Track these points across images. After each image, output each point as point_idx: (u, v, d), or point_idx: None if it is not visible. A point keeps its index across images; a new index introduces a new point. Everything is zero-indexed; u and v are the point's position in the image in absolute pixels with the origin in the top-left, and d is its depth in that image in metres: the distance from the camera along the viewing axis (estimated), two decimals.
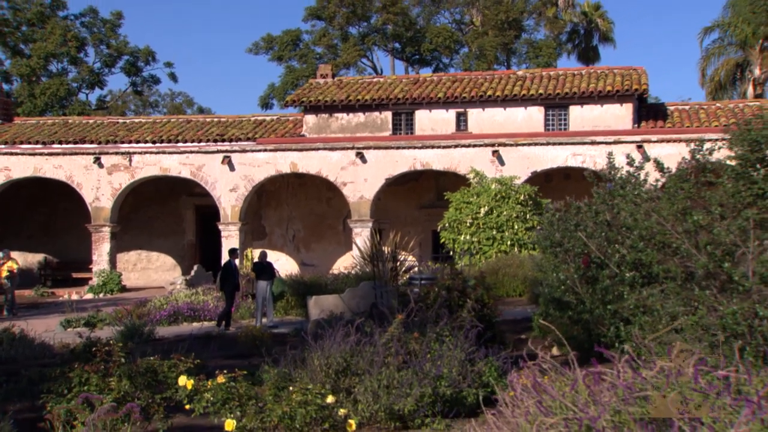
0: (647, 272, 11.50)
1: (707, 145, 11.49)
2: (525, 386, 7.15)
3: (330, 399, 8.15)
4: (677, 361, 6.76)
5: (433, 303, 12.68)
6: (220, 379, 7.76)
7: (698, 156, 12.10)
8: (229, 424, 7.38)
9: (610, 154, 14.00)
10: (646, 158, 13.65)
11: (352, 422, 8.12)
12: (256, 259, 21.46)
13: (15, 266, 24.81)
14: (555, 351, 14.48)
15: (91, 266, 30.79)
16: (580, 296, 12.80)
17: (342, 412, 8.24)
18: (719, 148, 11.22)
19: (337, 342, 10.38)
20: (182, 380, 8.16)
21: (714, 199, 10.04)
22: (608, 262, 12.30)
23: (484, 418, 7.48)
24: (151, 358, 9.35)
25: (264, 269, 19.96)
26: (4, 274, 24.19)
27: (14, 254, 26.80)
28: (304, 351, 10.67)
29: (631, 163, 12.93)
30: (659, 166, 12.80)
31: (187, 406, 7.86)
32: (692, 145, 12.07)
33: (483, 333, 12.14)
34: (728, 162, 10.92)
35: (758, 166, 10.07)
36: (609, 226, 12.35)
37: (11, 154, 31.03)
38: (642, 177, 12.72)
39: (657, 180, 12.63)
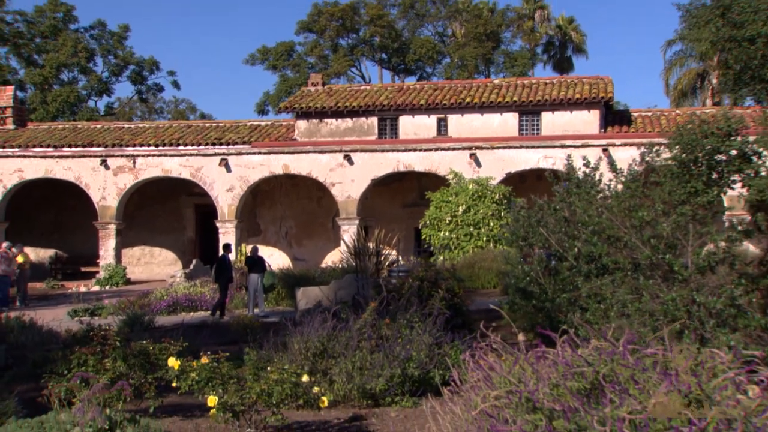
0: (600, 264, 11.76)
1: (655, 148, 11.77)
2: (477, 364, 7.39)
3: (305, 378, 8.31)
4: (612, 341, 7.01)
5: (406, 293, 12.89)
6: (204, 360, 7.94)
7: (647, 158, 12.39)
8: (212, 400, 7.59)
9: (569, 156, 14.28)
10: (611, 160, 13.86)
11: (325, 399, 8.31)
12: (248, 254, 21.60)
13: (23, 259, 24.97)
14: (521, 337, 14.67)
15: (98, 260, 30.75)
16: (543, 286, 13.02)
17: (316, 389, 8.42)
18: (667, 151, 11.49)
19: (315, 328, 10.60)
20: (171, 361, 8.32)
21: (657, 197, 10.32)
22: (567, 255, 12.55)
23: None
24: (144, 342, 9.55)
25: (255, 263, 20.02)
26: (20, 260, 24.48)
27: (27, 249, 26.83)
28: (285, 336, 10.91)
29: (587, 164, 13.17)
30: (613, 167, 13.10)
31: (174, 384, 8.06)
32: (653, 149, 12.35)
33: (451, 319, 12.36)
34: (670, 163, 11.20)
35: (692, 166, 10.33)
36: (567, 222, 12.58)
37: (24, 156, 31.05)
38: (597, 177, 12.98)
39: (610, 180, 12.88)
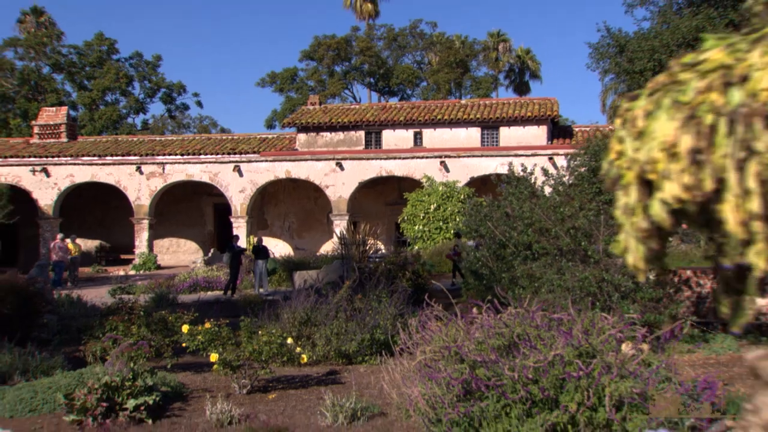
0: (533, 250, 12.18)
1: (576, 158, 12.24)
2: (423, 328, 7.80)
3: (289, 340, 8.68)
4: (526, 308, 7.44)
5: (378, 274, 13.27)
6: (207, 325, 8.34)
7: (572, 165, 12.84)
8: (213, 356, 8.00)
9: (510, 163, 14.67)
10: (555, 167, 14.29)
11: (305, 356, 8.71)
12: (254, 244, 21.89)
13: (75, 248, 25.41)
14: (474, 311, 15.10)
15: (134, 249, 30.79)
16: (491, 269, 13.41)
17: (298, 349, 8.81)
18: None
19: (302, 302, 10.99)
20: (184, 328, 8.74)
21: (576, 196, 10.77)
22: (508, 243, 12.95)
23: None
24: (163, 312, 9.93)
25: (260, 251, 20.27)
26: (72, 249, 24.94)
27: (78, 240, 27.14)
28: (278, 309, 11.28)
29: (524, 170, 13.60)
30: (546, 173, 13.53)
31: (184, 345, 8.44)
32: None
33: (414, 295, 12.74)
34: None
35: (597, 171, 10.76)
36: (508, 216, 12.98)
37: (75, 164, 31.08)
38: (532, 180, 13.40)
39: (543, 182, 13.31)
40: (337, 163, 29.39)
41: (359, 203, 30.70)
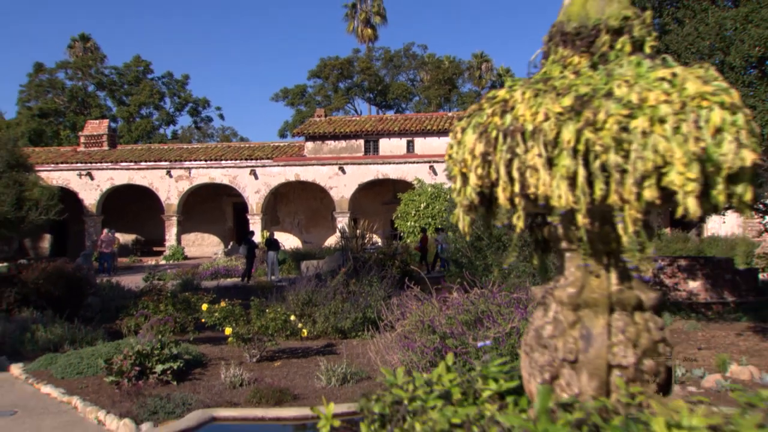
0: (502, 242, 12.46)
1: None
2: (402, 305, 8.12)
3: (292, 317, 8.97)
4: (490, 289, 7.77)
5: (370, 263, 13.56)
6: (222, 304, 8.66)
7: None
8: (228, 330, 8.32)
9: None
10: None
11: (305, 331, 9.01)
12: (267, 237, 22.17)
13: (115, 241, 25.80)
14: (455, 294, 15.38)
15: (164, 243, 31.03)
16: (470, 258, 13.68)
17: (300, 325, 9.10)
18: None
19: (304, 286, 11.28)
20: (203, 306, 9.05)
21: None
22: (483, 236, 13.22)
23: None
24: (187, 294, 10.25)
25: (272, 244, 20.56)
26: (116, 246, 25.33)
27: (117, 234, 27.45)
28: (285, 292, 11.57)
29: None
30: None
31: (203, 320, 8.76)
32: None
33: (401, 280, 13.00)
34: None
35: None
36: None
37: (114, 169, 31.31)
38: None
39: None
40: (339, 168, 29.60)
41: (359, 202, 30.84)
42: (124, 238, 33.31)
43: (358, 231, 20.08)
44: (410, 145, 31.05)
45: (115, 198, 32.46)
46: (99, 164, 31.45)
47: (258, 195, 30.23)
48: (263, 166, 30.34)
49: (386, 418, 2.12)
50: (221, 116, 53.87)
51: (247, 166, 30.44)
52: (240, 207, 32.19)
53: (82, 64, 50.47)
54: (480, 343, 5.26)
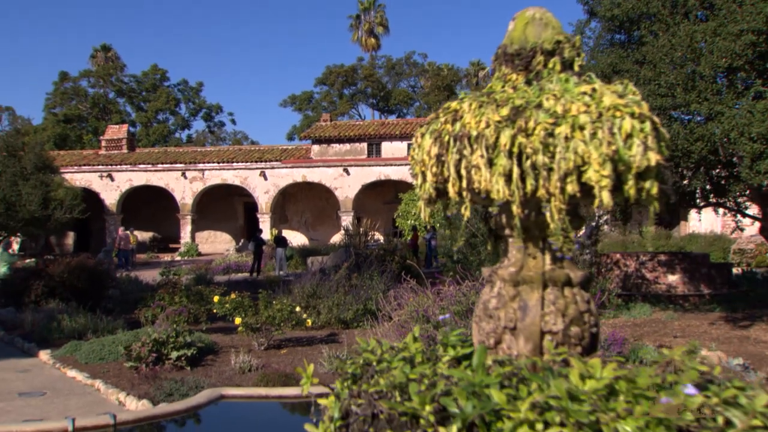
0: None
1: None
2: (399, 297, 8.29)
3: (298, 309, 9.13)
4: (478, 282, 7.93)
5: (371, 258, 13.70)
6: (233, 296, 8.85)
7: None
8: (237, 320, 8.50)
9: None
10: None
11: (309, 321, 9.17)
12: (275, 235, 22.32)
13: (133, 238, 25.98)
14: (448, 287, 15.50)
15: (180, 240, 31.16)
16: (465, 254, 13.80)
17: (304, 316, 9.25)
18: None
19: (309, 279, 11.45)
20: (215, 298, 9.24)
21: None
22: (477, 233, 13.35)
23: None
24: (200, 286, 10.43)
25: (280, 241, 20.67)
26: (132, 240, 25.50)
27: (136, 232, 27.60)
28: (291, 286, 11.73)
29: None
30: None
31: (215, 311, 8.94)
32: None
33: (399, 274, 13.14)
34: None
35: None
36: (476, 211, 13.41)
37: (133, 171, 31.46)
38: None
39: None
40: (344, 169, 29.69)
41: (362, 202, 30.89)
42: (142, 235, 33.42)
43: (361, 229, 20.25)
44: (410, 148, 31.05)
45: (134, 198, 32.58)
46: (119, 166, 31.62)
47: (267, 195, 30.34)
48: (272, 167, 30.44)
49: (357, 376, 2.34)
50: (233, 121, 54.23)
51: (257, 168, 30.54)
52: (250, 206, 32.26)
53: (103, 73, 50.95)
54: (441, 317, 5.60)
